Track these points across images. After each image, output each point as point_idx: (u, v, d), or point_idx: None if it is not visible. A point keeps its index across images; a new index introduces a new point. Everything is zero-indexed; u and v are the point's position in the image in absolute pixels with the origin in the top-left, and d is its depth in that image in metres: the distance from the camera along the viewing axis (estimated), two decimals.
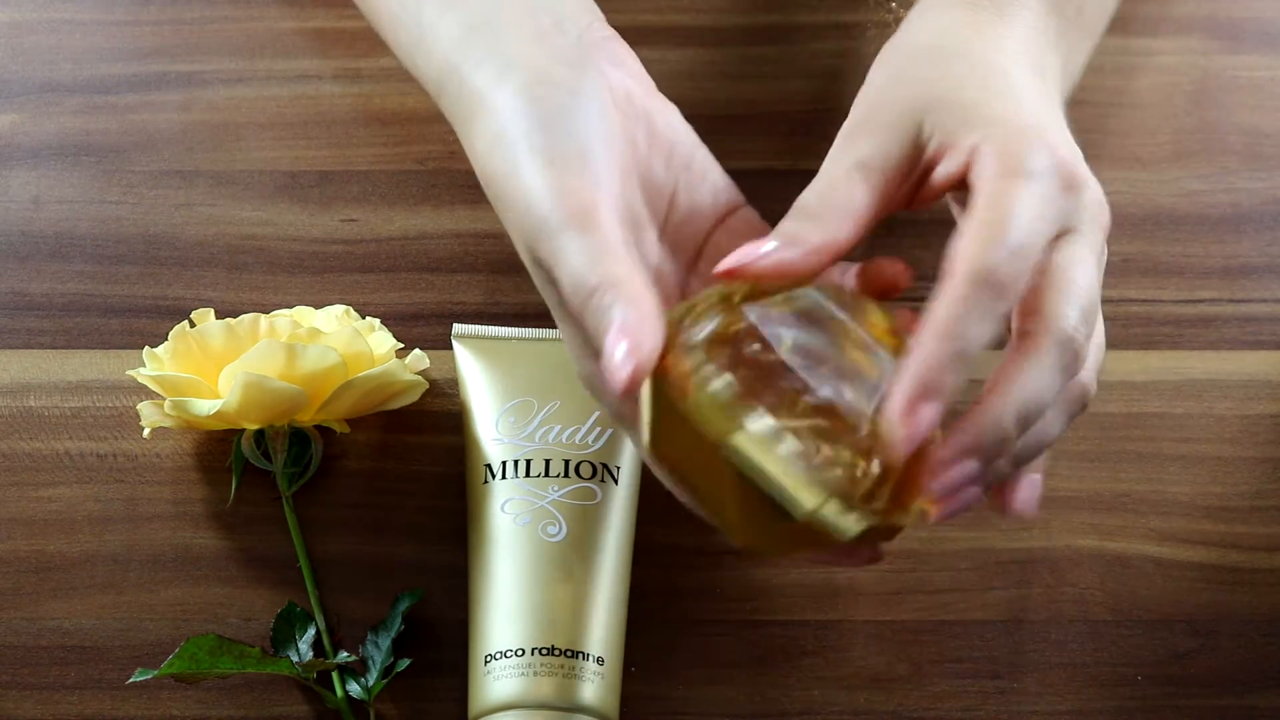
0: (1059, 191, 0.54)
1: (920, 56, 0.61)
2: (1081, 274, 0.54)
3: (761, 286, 0.55)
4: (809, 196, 0.57)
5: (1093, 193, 0.56)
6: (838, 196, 0.56)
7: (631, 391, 0.51)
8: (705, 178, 0.60)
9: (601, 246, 0.53)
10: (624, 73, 0.59)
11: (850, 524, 0.52)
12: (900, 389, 0.51)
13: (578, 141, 0.55)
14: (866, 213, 0.56)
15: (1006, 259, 0.52)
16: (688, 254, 0.60)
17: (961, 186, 0.56)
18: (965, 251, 0.53)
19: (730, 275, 0.55)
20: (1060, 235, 0.55)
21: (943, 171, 0.57)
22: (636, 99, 0.59)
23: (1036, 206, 0.53)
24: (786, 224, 0.56)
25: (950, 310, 0.52)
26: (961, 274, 0.52)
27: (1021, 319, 0.54)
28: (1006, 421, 0.52)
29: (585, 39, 0.59)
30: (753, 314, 0.53)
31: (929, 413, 0.51)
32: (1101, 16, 0.66)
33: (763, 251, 0.55)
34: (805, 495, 0.51)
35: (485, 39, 0.59)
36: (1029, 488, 0.55)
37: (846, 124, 0.59)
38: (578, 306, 0.53)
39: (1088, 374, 0.56)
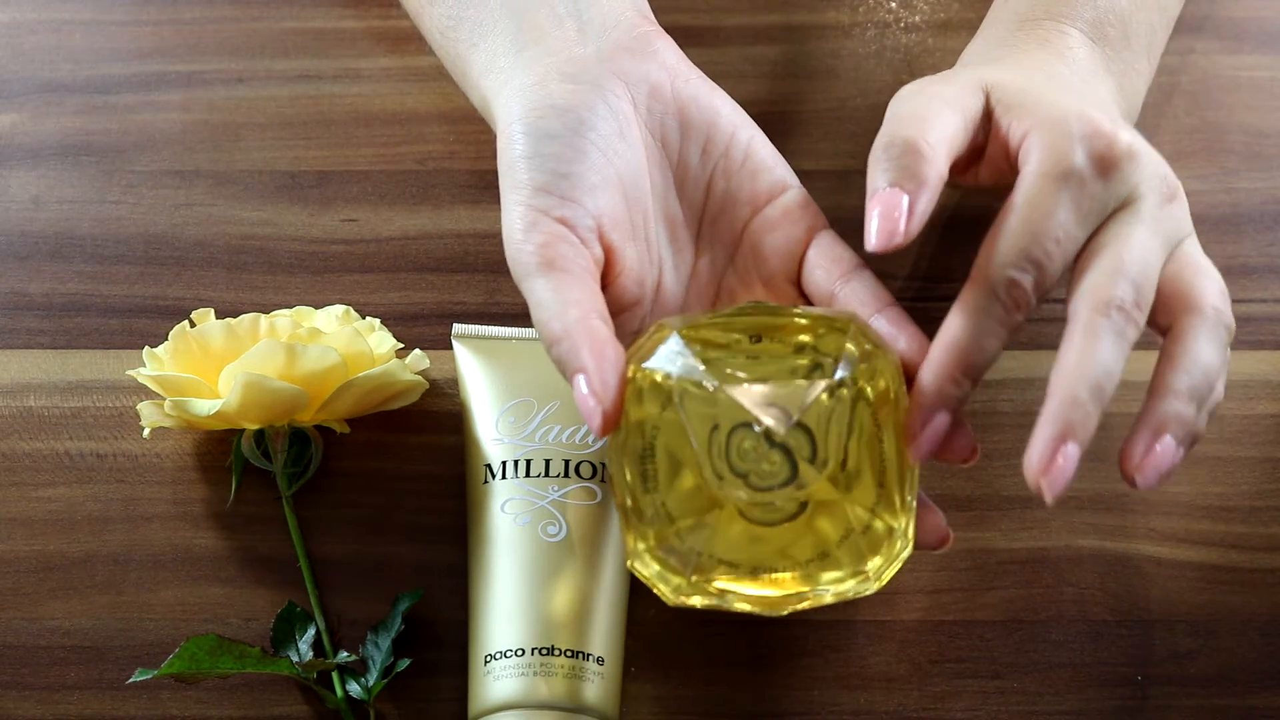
0: (1096, 181, 0.56)
1: (974, 60, 0.63)
2: (1125, 247, 0.55)
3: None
4: (896, 134, 0.57)
5: (1144, 165, 0.57)
6: (933, 126, 0.57)
7: (607, 434, 0.55)
8: (744, 163, 0.61)
9: (563, 292, 0.56)
10: (655, 65, 0.61)
11: (665, 591, 0.56)
12: (914, 404, 0.54)
13: (568, 170, 0.58)
14: (956, 144, 0.58)
15: (1030, 261, 0.54)
16: (726, 245, 0.61)
17: (1007, 171, 0.58)
18: (987, 255, 0.55)
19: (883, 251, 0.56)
20: (1114, 214, 0.56)
21: (994, 150, 0.59)
22: (666, 92, 0.61)
23: (1070, 205, 0.55)
24: (889, 170, 0.57)
25: (961, 321, 0.54)
26: (978, 282, 0.54)
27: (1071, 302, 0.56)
28: (1080, 393, 0.53)
29: (609, 42, 0.61)
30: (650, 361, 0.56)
31: (939, 423, 0.54)
32: (1152, 32, 0.66)
33: (900, 226, 0.56)
34: (630, 545, 0.56)
35: (507, 64, 0.61)
36: (1155, 455, 0.55)
37: (903, 91, 0.60)
38: (545, 347, 0.56)
39: (1204, 349, 0.56)
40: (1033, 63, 0.61)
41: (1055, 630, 0.63)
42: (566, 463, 0.63)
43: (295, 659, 0.62)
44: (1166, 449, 0.55)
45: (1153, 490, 0.55)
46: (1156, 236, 0.56)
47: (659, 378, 0.55)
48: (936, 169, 0.56)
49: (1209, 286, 0.57)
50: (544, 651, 0.60)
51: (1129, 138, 0.57)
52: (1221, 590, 0.64)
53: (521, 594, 0.60)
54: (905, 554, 0.56)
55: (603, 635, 0.60)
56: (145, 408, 0.64)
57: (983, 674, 0.63)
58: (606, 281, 0.60)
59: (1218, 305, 0.57)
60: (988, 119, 0.59)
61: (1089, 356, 0.54)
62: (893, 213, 0.55)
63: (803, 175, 0.63)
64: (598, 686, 0.60)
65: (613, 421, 0.54)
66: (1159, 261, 0.56)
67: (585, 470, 0.63)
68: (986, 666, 0.63)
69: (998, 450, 0.66)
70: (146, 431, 0.64)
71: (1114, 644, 0.63)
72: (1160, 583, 0.64)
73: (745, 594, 0.55)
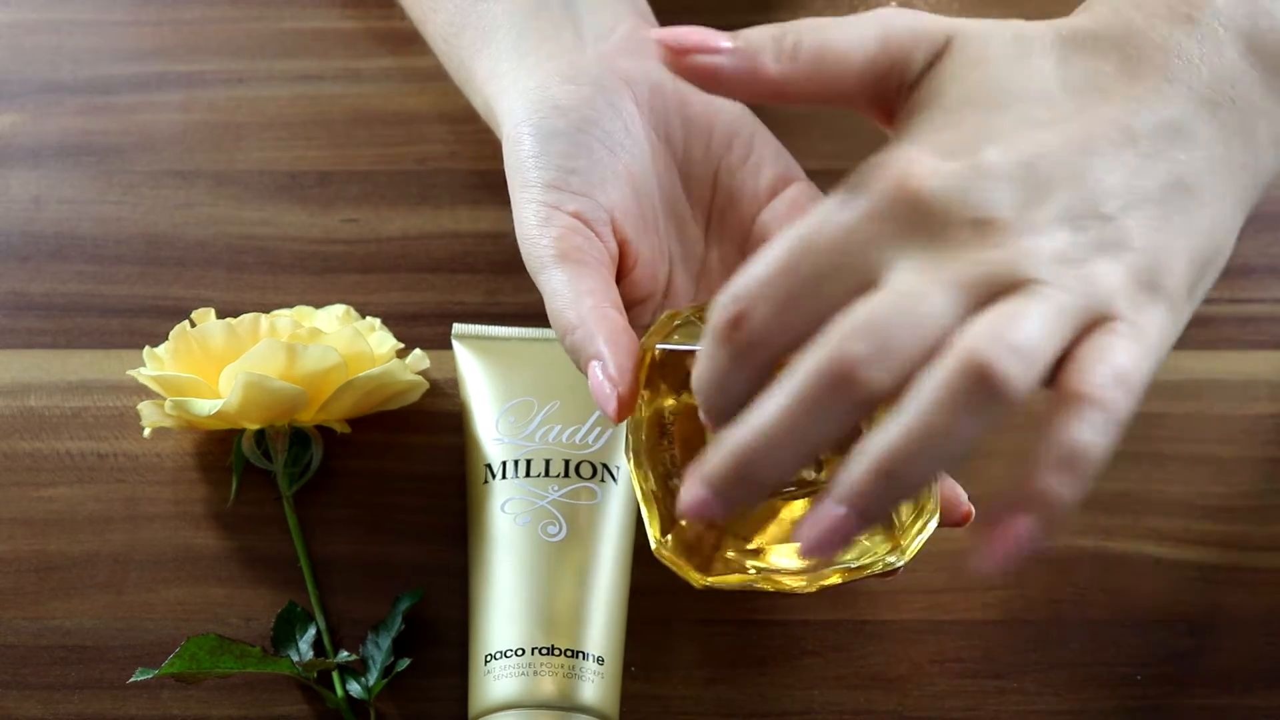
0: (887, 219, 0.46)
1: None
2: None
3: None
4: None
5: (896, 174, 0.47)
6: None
7: (622, 419, 0.54)
8: (749, 158, 0.61)
9: (577, 283, 0.56)
10: (656, 65, 0.60)
11: (691, 575, 0.54)
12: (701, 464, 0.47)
13: (575, 165, 0.58)
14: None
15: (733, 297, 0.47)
16: (736, 240, 0.62)
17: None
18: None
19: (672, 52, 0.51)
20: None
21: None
22: (668, 89, 0.61)
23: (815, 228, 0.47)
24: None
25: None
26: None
27: None
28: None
29: (610, 45, 0.61)
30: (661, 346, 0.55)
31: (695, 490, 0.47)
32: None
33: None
34: (652, 530, 0.55)
35: (510, 69, 0.62)
36: (1002, 537, 0.47)
37: None
38: (559, 336, 0.56)
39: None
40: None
41: (1055, 630, 0.63)
42: (567, 463, 0.63)
43: (295, 659, 0.62)
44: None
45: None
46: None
47: (673, 359, 0.54)
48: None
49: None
50: (544, 651, 0.60)
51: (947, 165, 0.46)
52: (1221, 590, 0.64)
53: (521, 594, 0.60)
54: (933, 523, 0.54)
55: (602, 635, 0.60)
56: (146, 408, 0.64)
57: (983, 674, 0.63)
58: (621, 275, 0.60)
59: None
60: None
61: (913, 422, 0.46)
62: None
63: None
64: (597, 686, 0.60)
65: (628, 406, 0.54)
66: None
67: (585, 470, 0.63)
68: (986, 666, 0.63)
69: (998, 450, 0.66)
70: (147, 431, 0.64)
71: (1114, 644, 0.63)
72: (1160, 583, 0.64)
73: (775, 571, 0.54)
